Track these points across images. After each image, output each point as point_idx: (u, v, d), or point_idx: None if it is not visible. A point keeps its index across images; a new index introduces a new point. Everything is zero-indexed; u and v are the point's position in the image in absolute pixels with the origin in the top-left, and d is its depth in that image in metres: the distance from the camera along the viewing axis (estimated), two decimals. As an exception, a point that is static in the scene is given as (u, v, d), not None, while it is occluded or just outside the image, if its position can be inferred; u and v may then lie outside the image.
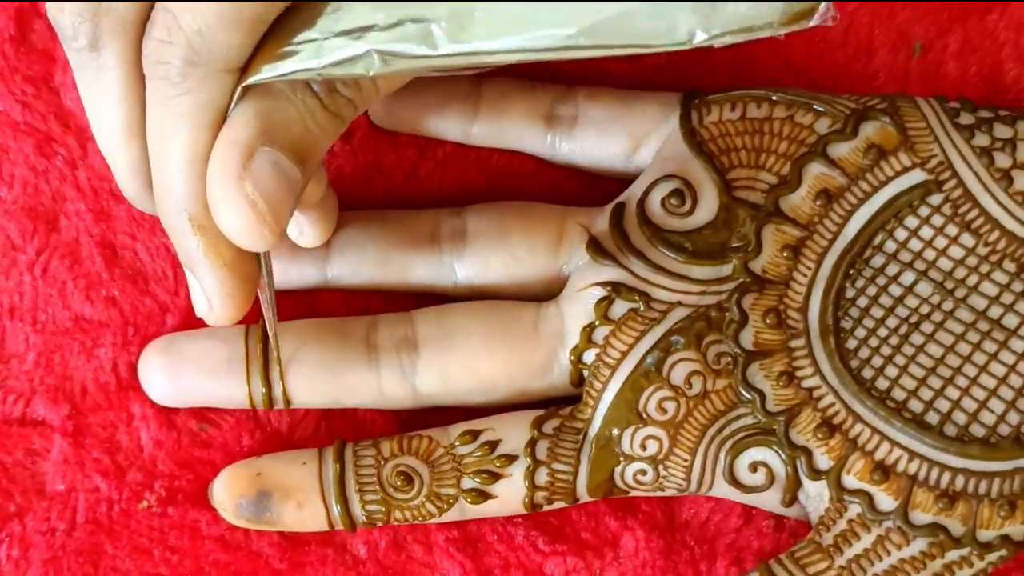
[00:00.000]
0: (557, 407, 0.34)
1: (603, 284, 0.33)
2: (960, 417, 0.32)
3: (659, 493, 0.33)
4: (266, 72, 0.27)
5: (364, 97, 0.29)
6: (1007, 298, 0.32)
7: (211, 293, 0.29)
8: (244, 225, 0.27)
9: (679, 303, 0.33)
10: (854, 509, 0.32)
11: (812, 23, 0.25)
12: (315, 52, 0.26)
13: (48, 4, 0.28)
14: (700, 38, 0.25)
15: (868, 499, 0.32)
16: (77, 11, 0.27)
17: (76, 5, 0.27)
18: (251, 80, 0.27)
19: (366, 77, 0.27)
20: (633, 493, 0.34)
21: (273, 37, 0.27)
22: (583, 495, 0.33)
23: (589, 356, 0.33)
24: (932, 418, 0.32)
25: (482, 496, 0.33)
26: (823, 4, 0.25)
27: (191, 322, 0.35)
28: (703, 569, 0.35)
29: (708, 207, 0.33)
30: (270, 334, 0.32)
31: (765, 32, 0.25)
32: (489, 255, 0.34)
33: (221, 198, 0.27)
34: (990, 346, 0.32)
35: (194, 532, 0.35)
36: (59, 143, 0.36)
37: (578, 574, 0.35)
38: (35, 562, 0.34)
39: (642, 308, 0.33)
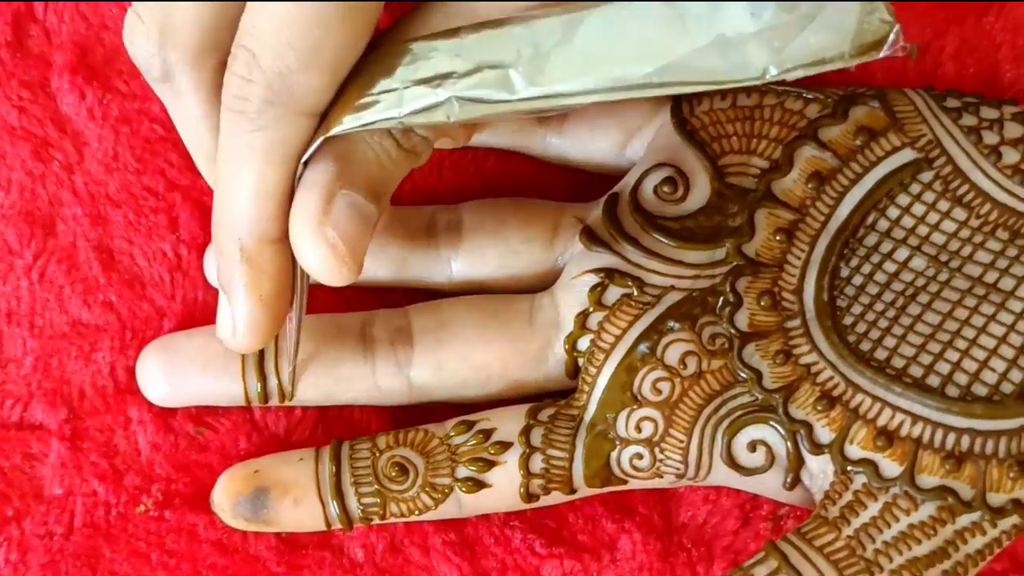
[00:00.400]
0: (553, 398, 0.34)
1: (596, 271, 0.33)
2: (962, 378, 0.31)
3: (657, 481, 0.33)
4: (348, 122, 0.27)
5: (438, 132, 0.30)
6: (1002, 263, 0.33)
7: (239, 321, 0.30)
8: (325, 265, 0.28)
9: (673, 287, 0.33)
10: (859, 480, 0.31)
11: (883, 54, 0.25)
12: (396, 101, 0.27)
13: (125, 39, 0.29)
14: (772, 73, 0.26)
15: (873, 467, 0.31)
16: (146, 46, 0.29)
17: (145, 40, 0.29)
18: (334, 131, 0.28)
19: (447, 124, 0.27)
20: (631, 483, 0.33)
21: (352, 85, 0.28)
22: (580, 485, 0.33)
23: (583, 343, 0.33)
24: (933, 380, 0.31)
25: (477, 485, 0.33)
26: (893, 32, 0.25)
27: (187, 326, 0.36)
28: (700, 571, 0.35)
29: (701, 193, 0.34)
30: (291, 353, 0.33)
31: (837, 64, 0.26)
32: (485, 248, 0.34)
33: (304, 241, 0.28)
34: (988, 308, 0.32)
35: (192, 536, 0.35)
36: (56, 148, 0.36)
37: (575, 577, 0.35)
38: (33, 566, 0.34)
39: (635, 293, 0.33)
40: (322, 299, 0.36)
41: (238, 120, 0.27)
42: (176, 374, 0.34)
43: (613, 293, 0.33)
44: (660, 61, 0.26)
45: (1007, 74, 0.37)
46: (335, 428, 0.36)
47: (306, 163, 0.28)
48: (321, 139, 0.28)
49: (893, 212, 0.33)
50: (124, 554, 0.35)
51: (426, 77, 0.27)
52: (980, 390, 0.31)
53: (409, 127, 0.28)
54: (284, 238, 0.29)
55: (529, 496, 0.33)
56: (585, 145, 0.36)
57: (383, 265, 0.35)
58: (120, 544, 0.35)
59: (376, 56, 0.28)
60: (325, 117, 0.28)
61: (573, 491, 0.33)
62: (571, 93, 0.26)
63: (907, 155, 0.34)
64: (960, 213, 0.33)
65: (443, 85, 0.27)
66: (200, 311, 0.36)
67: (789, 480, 0.32)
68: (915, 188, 0.33)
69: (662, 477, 0.33)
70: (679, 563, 0.35)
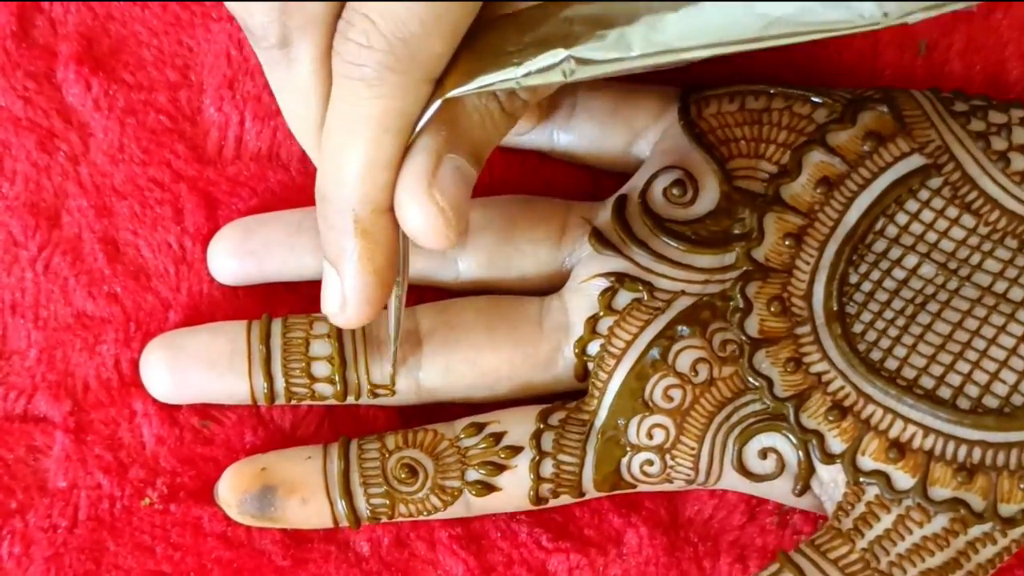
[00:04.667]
0: (563, 401, 0.34)
1: (606, 275, 0.33)
2: (973, 390, 0.32)
3: (667, 486, 0.33)
4: (468, 85, 0.27)
5: (537, 95, 0.29)
6: (1011, 272, 0.33)
7: (350, 294, 0.29)
8: (432, 228, 0.28)
9: (683, 292, 0.33)
10: (872, 491, 0.32)
11: None
12: (515, 63, 0.27)
13: (235, 7, 0.28)
14: (892, 14, 0.25)
15: (885, 479, 0.31)
16: (265, 11, 0.28)
17: (264, 5, 0.28)
18: (453, 93, 0.27)
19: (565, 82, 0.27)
20: (640, 487, 0.33)
21: (468, 49, 0.27)
22: (589, 489, 0.33)
23: (593, 347, 0.33)
24: (944, 392, 0.32)
25: (487, 488, 0.33)
26: None
27: (193, 318, 0.36)
28: (707, 566, 0.35)
29: (710, 197, 0.34)
30: (392, 330, 0.32)
31: (959, 3, 0.25)
32: (492, 249, 0.34)
33: (411, 204, 0.28)
34: (998, 319, 0.32)
35: (196, 529, 0.34)
36: (61, 139, 0.36)
37: (582, 571, 0.35)
38: (37, 559, 0.34)
39: (646, 298, 0.33)
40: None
41: (355, 88, 0.27)
42: (181, 372, 0.34)
43: (623, 298, 0.33)
44: (775, 13, 0.26)
45: (1014, 71, 0.37)
46: (341, 423, 0.35)
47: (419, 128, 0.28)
48: (439, 103, 0.27)
49: (902, 218, 0.33)
50: (129, 547, 0.34)
51: (542, 38, 0.27)
52: (991, 402, 0.31)
53: (517, 89, 0.28)
54: (393, 207, 0.28)
55: (538, 499, 0.33)
56: (592, 143, 0.36)
57: None
58: (125, 537, 0.34)
59: (491, 21, 0.28)
60: (440, 82, 0.28)
61: (582, 495, 0.33)
62: (685, 48, 0.26)
63: (916, 161, 0.34)
64: (969, 220, 0.33)
65: (559, 46, 0.27)
66: (205, 303, 0.36)
67: (799, 488, 0.32)
68: (924, 194, 0.33)
69: (672, 482, 0.33)
70: (685, 557, 0.35)
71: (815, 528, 0.35)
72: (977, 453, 0.31)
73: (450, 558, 0.35)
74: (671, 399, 0.32)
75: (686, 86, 0.35)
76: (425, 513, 0.33)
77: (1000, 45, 0.37)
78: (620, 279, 0.33)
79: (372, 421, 0.35)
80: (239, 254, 0.35)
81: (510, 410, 0.34)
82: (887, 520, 0.31)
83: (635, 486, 0.33)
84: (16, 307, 0.36)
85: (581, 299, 0.33)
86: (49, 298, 0.36)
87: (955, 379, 0.32)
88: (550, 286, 0.35)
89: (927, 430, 0.31)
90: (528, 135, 0.36)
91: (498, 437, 0.33)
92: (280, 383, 0.34)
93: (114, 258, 0.36)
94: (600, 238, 0.34)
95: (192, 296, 0.36)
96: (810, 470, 0.32)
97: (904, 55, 0.37)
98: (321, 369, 0.33)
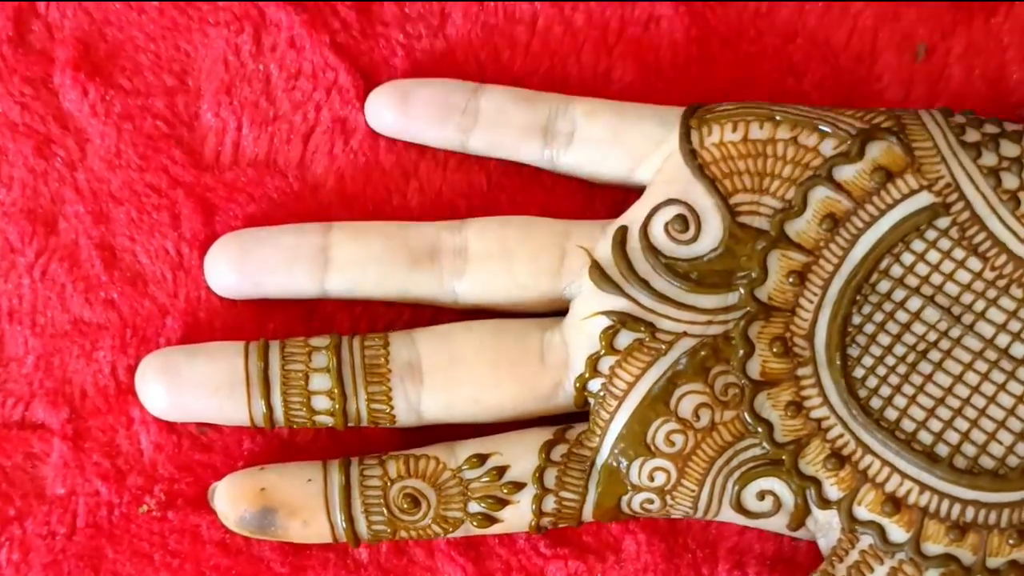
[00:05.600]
0: (564, 429, 0.33)
1: (608, 313, 0.33)
2: (970, 449, 0.32)
3: (664, 517, 0.34)
4: None
5: None
6: (1014, 326, 0.32)
7: None
8: None
9: (685, 333, 0.32)
10: (866, 540, 0.32)
11: None
12: None
13: None
14: None
15: (880, 530, 0.31)
16: None
17: None
18: None
19: None
20: (639, 517, 0.33)
21: None
22: (587, 518, 0.33)
23: (595, 385, 0.33)
24: (942, 450, 0.32)
25: (488, 520, 0.33)
26: None
27: (190, 324, 0.35)
28: (705, 573, 0.35)
29: (712, 234, 0.33)
30: None
31: None
32: (490, 279, 0.34)
33: None
34: (998, 376, 0.32)
35: (195, 536, 0.34)
36: (58, 144, 0.36)
37: (580, 578, 0.35)
38: (35, 566, 0.34)
39: (648, 339, 0.32)
40: (327, 308, 0.36)
41: None
42: (179, 397, 0.33)
43: (625, 337, 0.33)
44: None
45: (1014, 75, 0.37)
46: (341, 433, 0.35)
47: None
48: None
49: (908, 258, 0.33)
50: (127, 554, 0.34)
51: None
52: (987, 463, 0.31)
53: None
54: None
55: (539, 529, 0.33)
56: (592, 168, 0.35)
57: (387, 287, 0.34)
58: (123, 544, 0.34)
59: None
60: None
61: (580, 524, 0.34)
62: None
63: (924, 199, 0.33)
64: (975, 263, 0.33)
65: None
66: (203, 309, 0.36)
67: (793, 524, 0.33)
68: (931, 234, 0.33)
69: (670, 516, 0.33)
70: (683, 564, 0.35)
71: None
72: (970, 512, 0.31)
73: (449, 565, 0.35)
74: (673, 444, 0.32)
75: (687, 107, 0.34)
76: (426, 538, 0.33)
77: (1000, 49, 0.37)
78: (622, 319, 0.33)
79: (372, 434, 0.35)
80: (236, 274, 0.34)
81: (512, 437, 0.34)
82: (880, 572, 0.32)
83: (634, 517, 0.33)
84: (13, 314, 0.35)
85: (582, 337, 0.33)
86: (46, 304, 0.35)
87: (953, 437, 0.32)
88: (548, 308, 0.34)
89: (923, 487, 0.31)
90: (529, 157, 0.35)
91: (501, 471, 0.33)
92: (279, 412, 0.33)
93: (111, 264, 0.36)
94: (601, 275, 0.33)
95: (190, 302, 0.36)
96: (806, 512, 0.32)
97: (903, 59, 0.37)
98: (321, 403, 0.33)
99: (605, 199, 0.36)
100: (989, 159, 0.33)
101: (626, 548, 0.35)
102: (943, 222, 0.33)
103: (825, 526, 0.32)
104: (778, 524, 0.33)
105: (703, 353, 0.32)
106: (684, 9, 0.37)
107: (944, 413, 0.32)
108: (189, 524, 0.35)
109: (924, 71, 0.37)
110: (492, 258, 0.34)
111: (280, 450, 0.35)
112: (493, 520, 0.33)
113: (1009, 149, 0.33)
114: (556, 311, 0.34)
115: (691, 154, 0.33)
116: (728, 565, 0.35)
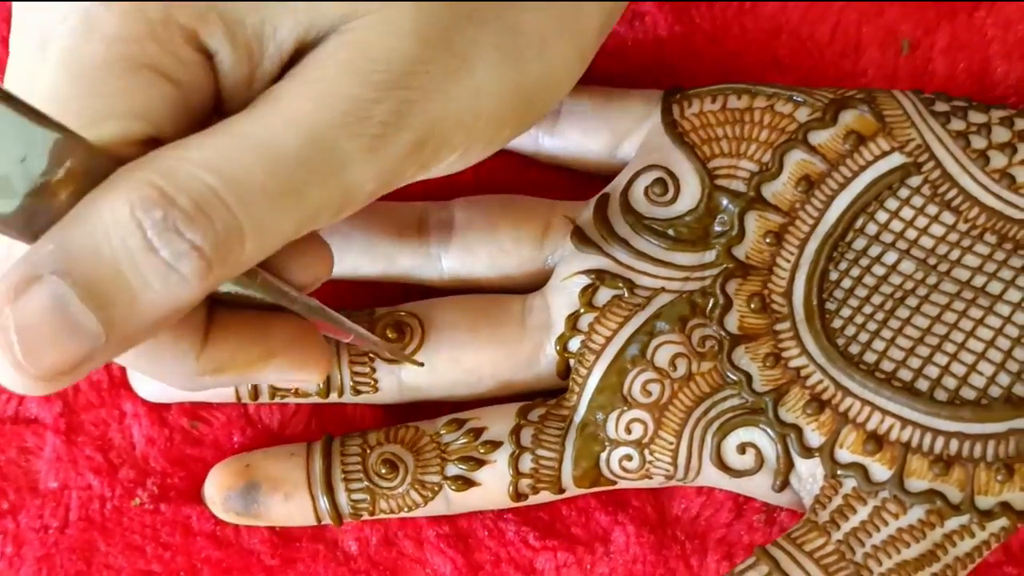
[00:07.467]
0: (544, 398, 0.34)
1: (587, 272, 0.33)
2: (950, 381, 0.32)
3: (646, 482, 0.33)
4: None
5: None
6: (990, 267, 0.33)
7: None
8: None
9: (663, 289, 0.33)
10: (849, 484, 0.32)
11: None
12: None
13: None
14: None
15: (863, 471, 0.31)
16: None
17: None
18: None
19: None
20: (620, 483, 0.34)
21: None
22: (569, 485, 0.33)
23: (574, 344, 0.33)
24: (922, 384, 0.32)
25: (466, 483, 0.33)
26: None
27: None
28: (694, 564, 0.35)
29: (691, 195, 0.34)
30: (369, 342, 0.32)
31: None
32: (475, 247, 0.35)
33: None
34: (976, 312, 0.32)
35: (186, 529, 0.35)
36: (52, 143, 0.36)
37: (569, 569, 0.35)
38: (28, 559, 0.34)
39: (626, 294, 0.33)
40: (316, 293, 0.36)
41: None
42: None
43: (604, 294, 0.33)
44: None
45: (998, 69, 0.37)
46: (329, 423, 0.36)
47: None
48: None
49: (882, 216, 0.33)
50: (119, 547, 0.35)
51: None
52: (968, 394, 0.32)
53: None
54: None
55: (518, 495, 0.33)
56: (577, 147, 0.36)
57: (373, 261, 0.35)
58: (115, 537, 0.35)
59: None
60: None
61: (562, 491, 0.34)
62: None
63: (896, 159, 0.34)
64: (948, 217, 0.33)
65: None
66: (195, 306, 0.36)
67: (778, 483, 0.33)
68: (904, 192, 0.34)
69: (651, 478, 0.33)
70: (672, 555, 0.35)
71: (802, 525, 0.35)
72: (954, 445, 0.31)
73: (438, 556, 0.35)
74: (649, 393, 0.33)
75: (669, 88, 0.35)
76: (406, 509, 0.33)
77: (984, 43, 0.37)
78: (600, 276, 0.33)
79: (359, 421, 0.36)
80: None
81: (491, 407, 0.34)
82: (863, 512, 0.31)
83: (615, 482, 0.34)
84: (8, 310, 0.36)
85: (562, 296, 0.34)
86: (40, 301, 0.36)
87: (933, 371, 0.32)
88: (533, 284, 0.35)
89: (904, 422, 0.31)
90: (514, 140, 0.36)
91: (478, 432, 0.33)
92: (264, 385, 0.34)
93: (105, 261, 0.36)
94: (581, 236, 0.34)
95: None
96: (789, 465, 0.32)
97: (887, 54, 0.37)
98: None
99: (592, 193, 0.36)
100: (958, 124, 0.34)
101: (615, 539, 0.35)
102: (915, 180, 0.34)
103: (809, 480, 0.32)
104: (763, 486, 0.33)
105: (680, 306, 0.33)
106: (668, 6, 0.37)
107: (923, 351, 0.32)
108: (181, 517, 0.35)
109: (908, 66, 0.37)
110: (477, 226, 0.35)
111: (270, 443, 0.35)
112: (471, 483, 0.33)
113: (977, 117, 0.34)
114: (540, 287, 0.35)
115: (671, 124, 0.34)
116: (717, 556, 0.35)
